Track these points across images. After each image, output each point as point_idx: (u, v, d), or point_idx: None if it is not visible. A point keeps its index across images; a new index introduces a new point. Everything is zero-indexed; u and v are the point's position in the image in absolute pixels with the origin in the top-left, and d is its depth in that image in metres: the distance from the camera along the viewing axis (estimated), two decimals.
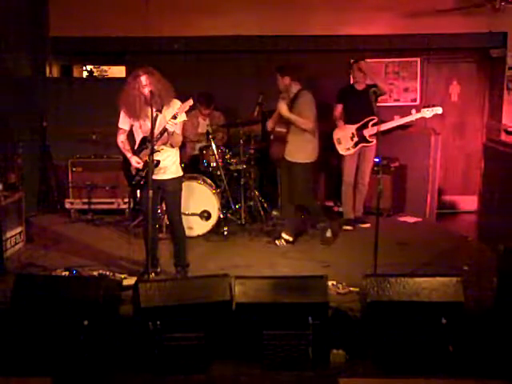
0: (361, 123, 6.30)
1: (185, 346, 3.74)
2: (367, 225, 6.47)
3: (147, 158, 4.54)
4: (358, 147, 6.37)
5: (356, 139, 6.34)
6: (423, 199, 7.22)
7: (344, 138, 6.41)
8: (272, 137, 5.97)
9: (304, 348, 3.75)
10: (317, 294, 3.86)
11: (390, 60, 7.73)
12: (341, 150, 6.46)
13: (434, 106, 6.26)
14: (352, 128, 6.36)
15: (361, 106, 6.22)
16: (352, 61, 6.47)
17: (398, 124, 6.35)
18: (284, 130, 5.80)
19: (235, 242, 6.10)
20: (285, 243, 5.98)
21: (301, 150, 5.80)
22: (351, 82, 6.65)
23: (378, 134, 6.14)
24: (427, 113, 6.19)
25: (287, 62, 6.29)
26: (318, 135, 5.88)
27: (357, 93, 6.34)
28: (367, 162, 6.43)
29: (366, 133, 6.29)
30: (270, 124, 5.96)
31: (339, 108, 6.48)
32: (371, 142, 6.31)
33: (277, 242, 6.00)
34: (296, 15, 7.21)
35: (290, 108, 5.72)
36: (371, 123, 6.26)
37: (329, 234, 5.96)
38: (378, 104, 5.67)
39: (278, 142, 5.88)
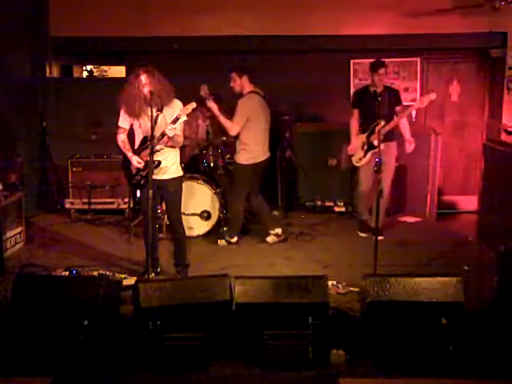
0: (369, 130, 6.12)
1: (184, 345, 3.74)
2: (381, 237, 6.01)
3: (148, 158, 4.55)
4: (368, 155, 6.16)
5: (366, 147, 6.17)
6: (423, 199, 7.21)
7: (357, 149, 6.23)
8: None
9: (304, 348, 3.75)
10: (317, 294, 3.86)
11: (390, 60, 7.71)
12: (355, 161, 6.28)
13: (427, 94, 6.09)
14: (363, 137, 6.19)
15: (376, 109, 5.86)
16: (372, 68, 6.10)
17: (397, 122, 6.16)
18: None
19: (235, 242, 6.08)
20: (276, 238, 5.99)
21: (238, 150, 5.91)
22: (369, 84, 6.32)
23: (389, 136, 6.06)
24: (423, 103, 5.87)
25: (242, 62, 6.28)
26: (261, 140, 5.88)
27: (373, 96, 5.91)
28: (384, 165, 5.68)
29: (373, 139, 6.06)
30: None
31: (356, 114, 6.24)
32: (377, 146, 6.10)
33: (268, 239, 6.00)
34: (296, 15, 7.21)
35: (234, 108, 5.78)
36: (377, 128, 6.06)
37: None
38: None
39: None
